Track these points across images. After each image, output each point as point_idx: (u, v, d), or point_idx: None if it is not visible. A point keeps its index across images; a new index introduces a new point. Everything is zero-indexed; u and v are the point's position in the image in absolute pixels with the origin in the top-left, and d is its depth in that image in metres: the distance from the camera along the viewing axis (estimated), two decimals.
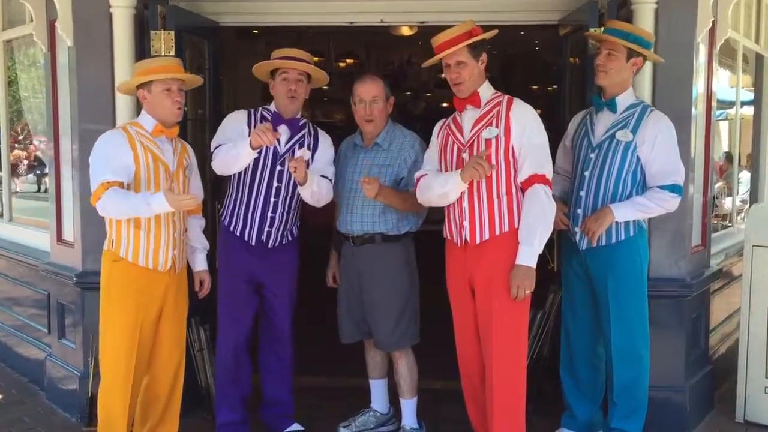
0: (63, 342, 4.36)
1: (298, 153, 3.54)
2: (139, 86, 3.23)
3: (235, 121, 3.58)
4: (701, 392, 4.09)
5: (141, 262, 3.19)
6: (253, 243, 3.56)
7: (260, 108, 3.64)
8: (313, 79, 3.63)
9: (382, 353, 3.72)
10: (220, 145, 3.47)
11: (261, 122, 3.54)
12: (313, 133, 3.67)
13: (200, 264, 3.54)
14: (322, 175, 3.56)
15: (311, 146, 3.62)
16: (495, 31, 3.23)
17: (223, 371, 3.68)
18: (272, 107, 3.61)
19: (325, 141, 3.68)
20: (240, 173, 3.53)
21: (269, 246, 3.58)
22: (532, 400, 3.80)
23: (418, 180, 3.32)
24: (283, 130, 3.55)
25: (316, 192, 3.46)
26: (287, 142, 3.57)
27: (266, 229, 3.56)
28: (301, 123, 3.62)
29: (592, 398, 3.61)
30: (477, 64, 3.19)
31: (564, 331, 3.64)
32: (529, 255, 3.09)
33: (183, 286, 3.40)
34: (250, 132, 3.48)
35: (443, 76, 3.35)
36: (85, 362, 4.04)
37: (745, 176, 7.23)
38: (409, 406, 3.71)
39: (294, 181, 3.49)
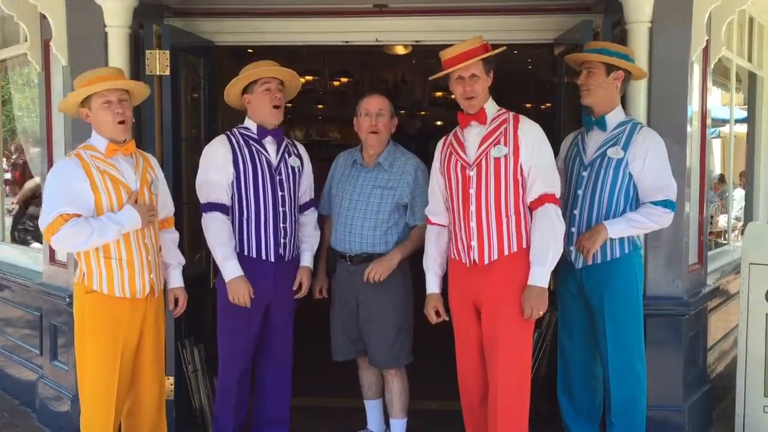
0: (55, 363, 4.32)
1: (290, 161, 3.57)
2: (82, 105, 3.03)
3: (220, 160, 3.45)
4: (699, 411, 4.07)
5: (117, 293, 3.01)
6: (273, 259, 3.49)
7: (236, 129, 3.56)
8: (286, 88, 3.60)
9: (377, 373, 3.69)
10: (212, 208, 3.42)
11: (243, 141, 3.50)
12: (291, 141, 3.71)
13: (175, 281, 3.36)
14: (311, 200, 3.69)
15: (297, 154, 3.65)
16: (503, 48, 3.22)
17: (226, 401, 3.60)
18: (249, 125, 3.55)
19: (303, 150, 3.74)
20: (241, 195, 3.47)
21: (286, 259, 3.54)
22: (530, 421, 3.77)
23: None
24: (271, 141, 3.54)
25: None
26: (277, 152, 3.56)
27: (282, 241, 3.52)
28: (282, 132, 3.61)
29: (590, 419, 3.58)
30: (488, 79, 3.18)
31: (560, 351, 3.62)
32: (541, 275, 3.07)
33: (161, 309, 3.25)
34: (236, 157, 3.44)
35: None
36: (77, 384, 3.97)
37: (738, 194, 7.26)
38: (399, 427, 3.68)
39: (294, 188, 3.56)
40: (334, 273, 3.70)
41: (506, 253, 3.13)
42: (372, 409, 3.81)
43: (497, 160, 3.12)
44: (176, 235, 3.43)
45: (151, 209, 3.04)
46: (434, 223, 3.40)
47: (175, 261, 3.38)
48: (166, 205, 3.34)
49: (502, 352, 3.11)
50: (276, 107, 3.49)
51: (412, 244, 3.53)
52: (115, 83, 3.01)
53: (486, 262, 3.15)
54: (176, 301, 3.35)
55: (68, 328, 4.10)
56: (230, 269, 3.38)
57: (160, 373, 3.28)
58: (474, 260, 3.18)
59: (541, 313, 3.08)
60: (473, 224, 3.16)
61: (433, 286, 3.40)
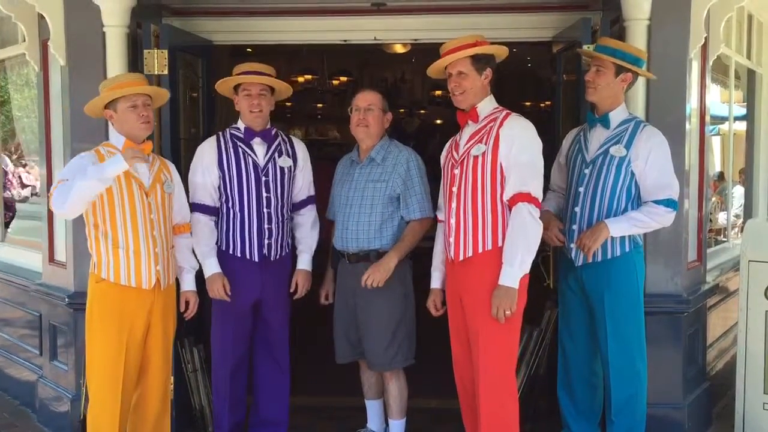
0: (55, 363, 4.32)
1: (279, 161, 3.59)
2: (105, 108, 3.22)
3: (206, 161, 3.55)
4: (699, 409, 4.07)
5: (123, 281, 3.14)
6: (256, 259, 3.54)
7: (228, 129, 3.63)
8: (277, 92, 3.64)
9: (377, 374, 3.68)
10: (197, 208, 3.52)
11: (231, 142, 3.55)
12: (287, 140, 3.72)
13: (187, 284, 3.47)
14: (309, 197, 3.72)
15: (290, 153, 3.66)
16: (505, 48, 3.23)
17: (220, 398, 3.64)
18: (240, 124, 3.61)
19: (300, 147, 3.74)
20: (226, 195, 3.55)
21: (271, 259, 3.57)
22: (530, 419, 3.78)
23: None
24: (259, 143, 3.58)
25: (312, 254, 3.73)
26: (266, 154, 3.59)
27: (266, 241, 3.55)
28: (273, 132, 3.64)
29: (590, 417, 3.58)
30: (479, 77, 3.17)
31: (560, 349, 3.62)
32: (509, 275, 3.04)
33: (171, 305, 3.35)
34: (221, 159, 3.52)
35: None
36: (77, 384, 3.99)
37: (738, 191, 7.25)
38: (397, 427, 3.67)
39: (282, 189, 3.58)
40: (337, 274, 3.70)
41: (480, 250, 3.14)
42: (372, 408, 3.81)
43: (476, 158, 3.13)
44: (191, 241, 3.52)
45: (138, 150, 3.07)
46: (440, 220, 3.43)
47: (188, 265, 3.49)
48: (181, 210, 3.45)
49: (483, 346, 3.12)
50: (253, 113, 3.52)
51: (408, 242, 3.51)
52: (143, 88, 3.22)
53: (461, 258, 3.18)
54: (188, 304, 3.47)
55: (68, 329, 4.11)
56: (207, 267, 3.52)
57: (166, 369, 3.36)
58: (452, 256, 3.22)
59: (509, 313, 3.04)
60: (453, 221, 3.20)
61: (434, 281, 3.47)
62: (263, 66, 3.56)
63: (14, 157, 7.70)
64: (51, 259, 4.37)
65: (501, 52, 3.24)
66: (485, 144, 3.13)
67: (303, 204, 3.74)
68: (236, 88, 3.55)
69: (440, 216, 3.44)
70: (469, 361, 3.27)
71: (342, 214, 3.57)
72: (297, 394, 3.83)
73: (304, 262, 3.69)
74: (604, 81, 3.33)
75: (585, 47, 3.64)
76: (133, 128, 3.19)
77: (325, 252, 3.82)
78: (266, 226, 3.54)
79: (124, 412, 3.20)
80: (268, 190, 3.54)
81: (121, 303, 3.15)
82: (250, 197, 3.53)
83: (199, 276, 3.55)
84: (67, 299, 3.98)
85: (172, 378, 3.75)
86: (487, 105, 3.23)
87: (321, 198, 3.82)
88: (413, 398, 3.72)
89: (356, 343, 3.61)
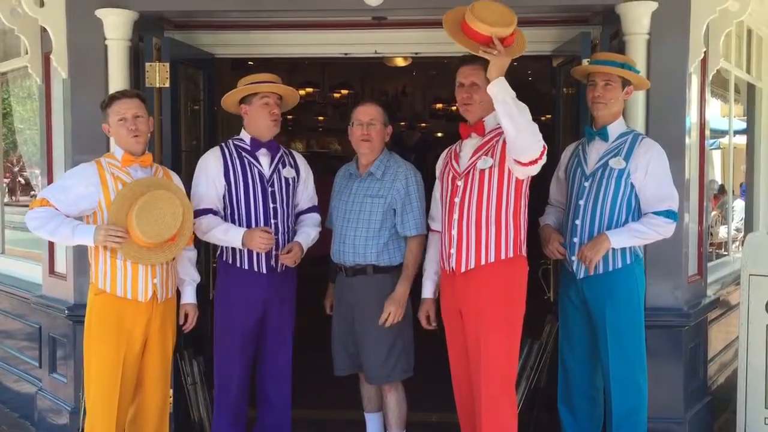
0: (54, 376, 4.31)
1: (284, 172, 3.58)
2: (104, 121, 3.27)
3: (211, 172, 3.52)
4: (701, 423, 4.06)
5: (119, 292, 3.14)
6: (264, 271, 3.51)
7: (231, 141, 3.61)
8: (284, 101, 3.65)
9: (376, 386, 3.67)
10: (203, 213, 3.47)
11: (236, 153, 3.54)
12: (289, 152, 3.73)
13: (187, 297, 3.46)
14: (312, 207, 3.70)
15: (293, 165, 3.67)
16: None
17: (223, 412, 3.61)
18: (244, 136, 3.59)
19: (301, 160, 3.75)
20: (232, 207, 3.53)
21: (279, 270, 3.55)
22: None
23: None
24: (264, 153, 3.58)
25: (310, 245, 3.61)
26: (270, 164, 3.59)
27: (274, 253, 3.52)
28: (276, 144, 3.64)
29: (591, 430, 3.56)
30: None
31: (561, 363, 3.61)
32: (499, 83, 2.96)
33: (170, 318, 3.34)
34: (227, 170, 3.49)
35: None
36: (76, 396, 3.98)
37: (738, 205, 7.26)
38: None
39: (287, 200, 3.58)
40: (335, 287, 3.69)
41: (483, 263, 3.16)
42: (371, 421, 3.78)
43: (482, 171, 3.15)
44: (193, 254, 3.51)
45: (114, 232, 3.04)
46: (434, 230, 3.44)
47: (189, 278, 3.48)
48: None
49: (484, 359, 3.12)
50: (274, 120, 3.52)
51: (412, 267, 3.47)
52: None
53: (462, 270, 3.19)
54: (187, 317, 3.46)
55: (67, 341, 4.11)
56: (234, 234, 3.43)
57: (164, 382, 3.35)
58: (452, 268, 3.22)
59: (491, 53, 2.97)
60: (454, 232, 3.21)
61: (427, 291, 3.47)
62: (272, 75, 3.57)
63: (16, 168, 7.72)
64: (51, 271, 4.37)
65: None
66: (492, 157, 3.14)
67: (306, 212, 3.73)
68: (244, 99, 3.54)
69: (434, 226, 3.45)
70: (468, 376, 3.27)
71: (339, 227, 3.56)
72: (296, 407, 3.80)
73: (302, 237, 3.60)
74: (614, 95, 3.34)
75: (584, 62, 3.65)
76: (124, 142, 3.21)
77: (327, 263, 3.82)
78: (274, 236, 3.51)
79: (120, 426, 3.18)
80: (274, 201, 3.53)
81: (119, 315, 3.15)
82: (257, 208, 3.51)
83: (199, 289, 3.55)
84: (66, 311, 3.98)
85: (170, 390, 3.75)
86: (493, 119, 3.21)
87: (322, 211, 3.82)
88: (413, 412, 3.71)
89: (355, 356, 3.60)
